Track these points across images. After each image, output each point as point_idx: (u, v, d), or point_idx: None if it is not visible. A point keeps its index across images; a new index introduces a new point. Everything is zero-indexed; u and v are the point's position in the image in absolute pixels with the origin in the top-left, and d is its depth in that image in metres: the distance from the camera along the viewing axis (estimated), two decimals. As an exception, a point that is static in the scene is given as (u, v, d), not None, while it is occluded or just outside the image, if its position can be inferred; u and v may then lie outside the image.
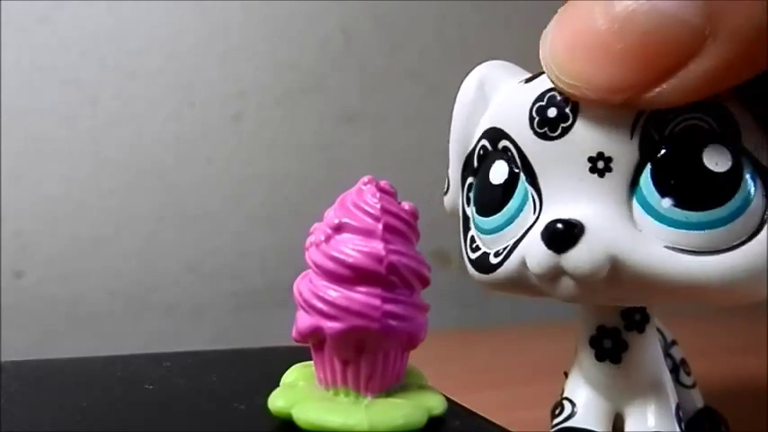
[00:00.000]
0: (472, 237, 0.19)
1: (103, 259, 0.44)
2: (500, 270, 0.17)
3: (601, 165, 0.15)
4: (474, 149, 0.19)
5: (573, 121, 0.16)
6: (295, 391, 0.16)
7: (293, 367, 0.17)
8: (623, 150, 0.15)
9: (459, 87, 0.20)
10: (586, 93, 0.15)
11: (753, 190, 0.15)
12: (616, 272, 0.15)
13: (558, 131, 0.16)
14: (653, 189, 0.15)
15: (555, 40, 0.15)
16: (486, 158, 0.18)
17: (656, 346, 0.18)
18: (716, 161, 0.15)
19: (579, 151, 0.16)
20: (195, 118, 0.46)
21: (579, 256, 0.15)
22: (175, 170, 0.46)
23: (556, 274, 0.15)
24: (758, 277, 0.15)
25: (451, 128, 0.20)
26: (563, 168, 0.16)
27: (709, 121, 0.15)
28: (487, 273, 0.18)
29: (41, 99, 0.43)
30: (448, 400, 0.17)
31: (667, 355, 0.22)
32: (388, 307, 0.15)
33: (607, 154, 0.15)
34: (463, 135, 0.19)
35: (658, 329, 0.22)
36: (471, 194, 0.19)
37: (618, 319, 0.18)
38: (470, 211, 0.19)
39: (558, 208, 0.16)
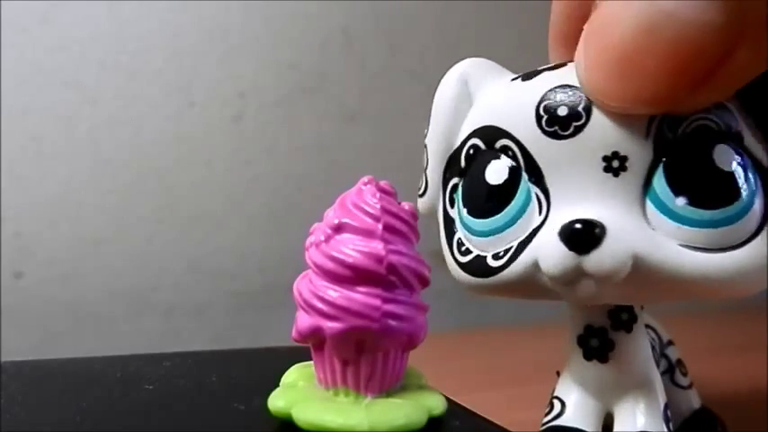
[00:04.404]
0: (459, 239, 0.18)
1: (103, 260, 0.44)
2: (504, 273, 0.17)
3: (616, 164, 0.15)
4: (460, 149, 0.18)
5: (587, 120, 0.16)
6: (295, 392, 0.16)
7: (293, 367, 0.17)
8: (639, 149, 0.15)
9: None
10: (632, 110, 0.15)
11: (756, 189, 0.15)
12: (636, 271, 0.15)
13: (571, 130, 0.16)
14: (667, 188, 0.15)
15: (589, 65, 0.15)
16: (478, 158, 0.18)
17: (644, 346, 0.18)
18: (724, 160, 0.15)
19: (593, 150, 0.16)
20: (195, 118, 0.46)
21: (602, 257, 0.15)
22: (175, 170, 0.46)
23: (575, 275, 0.15)
24: (762, 272, 0.15)
25: (431, 126, 0.19)
26: (575, 167, 0.16)
27: (717, 121, 0.15)
28: (486, 276, 0.17)
29: (41, 99, 0.43)
30: (448, 400, 0.17)
31: (662, 355, 0.22)
32: (388, 307, 0.15)
33: (622, 153, 0.15)
34: (446, 134, 0.19)
35: (653, 329, 0.22)
36: (457, 195, 0.18)
37: (605, 319, 0.18)
38: (456, 212, 0.18)
39: (570, 208, 0.16)
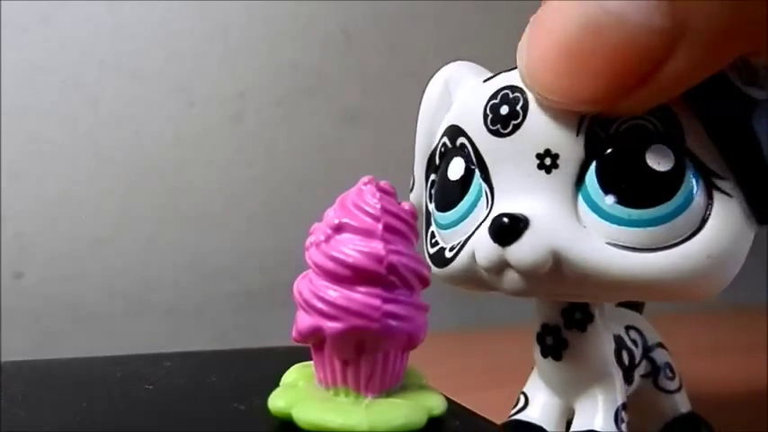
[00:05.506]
0: (432, 232, 0.19)
1: (103, 259, 0.44)
2: (453, 264, 0.18)
3: (548, 161, 0.16)
4: (436, 147, 0.19)
5: (523, 119, 0.16)
6: (295, 392, 0.16)
7: (293, 367, 0.17)
8: (569, 148, 0.16)
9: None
10: (572, 107, 0.15)
11: (694, 190, 0.15)
12: (558, 266, 0.15)
13: (510, 128, 0.16)
14: (597, 186, 0.16)
15: (530, 57, 0.15)
16: (446, 155, 0.19)
17: (599, 345, 0.18)
18: (658, 161, 0.15)
19: (528, 148, 0.16)
20: (195, 118, 0.46)
21: (522, 250, 0.15)
22: (175, 170, 0.46)
23: (501, 267, 0.16)
24: (696, 275, 0.15)
25: (418, 125, 0.20)
26: (513, 164, 0.16)
27: (654, 121, 0.15)
28: (443, 267, 0.18)
29: (41, 99, 0.43)
30: (448, 400, 0.17)
31: (646, 357, 0.22)
32: (388, 307, 0.15)
33: (554, 151, 0.16)
34: (428, 133, 0.20)
35: (638, 330, 0.22)
36: (433, 191, 0.19)
37: (558, 318, 0.18)
38: (432, 207, 0.19)
39: (507, 203, 0.16)
